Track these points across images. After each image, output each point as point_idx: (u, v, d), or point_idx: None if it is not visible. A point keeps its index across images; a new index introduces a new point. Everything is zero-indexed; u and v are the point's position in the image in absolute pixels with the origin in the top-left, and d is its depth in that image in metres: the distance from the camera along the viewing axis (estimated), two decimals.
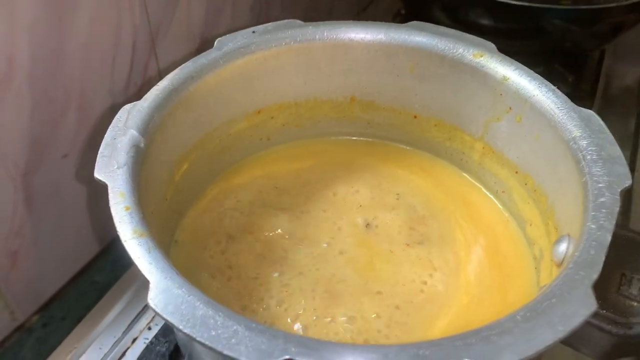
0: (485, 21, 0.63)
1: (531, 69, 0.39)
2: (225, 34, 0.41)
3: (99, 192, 0.47)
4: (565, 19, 0.61)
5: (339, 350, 0.24)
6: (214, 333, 0.24)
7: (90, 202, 0.47)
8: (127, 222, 0.29)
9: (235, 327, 0.25)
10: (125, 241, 0.28)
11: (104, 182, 0.31)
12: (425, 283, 0.39)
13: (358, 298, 0.37)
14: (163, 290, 0.26)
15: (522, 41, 0.63)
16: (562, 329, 0.25)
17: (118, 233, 0.29)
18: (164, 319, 0.25)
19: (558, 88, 0.38)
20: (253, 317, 0.36)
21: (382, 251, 0.41)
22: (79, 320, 0.48)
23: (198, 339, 0.24)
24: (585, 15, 0.61)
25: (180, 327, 0.25)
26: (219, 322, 0.25)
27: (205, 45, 0.51)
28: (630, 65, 0.75)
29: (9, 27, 0.34)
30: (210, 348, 0.24)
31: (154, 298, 0.26)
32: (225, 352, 0.24)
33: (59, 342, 0.46)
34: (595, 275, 0.27)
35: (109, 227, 0.49)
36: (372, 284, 0.38)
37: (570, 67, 0.70)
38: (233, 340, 0.24)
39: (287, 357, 0.24)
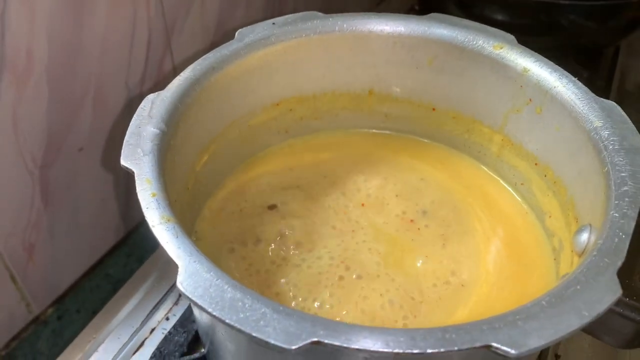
0: (499, 16, 0.63)
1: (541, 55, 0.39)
2: (239, 26, 0.42)
3: (115, 185, 0.48)
4: (580, 14, 0.61)
5: (367, 333, 0.24)
6: (242, 315, 0.25)
7: (105, 196, 0.47)
8: (154, 208, 0.29)
9: (263, 310, 0.25)
10: (153, 226, 0.28)
11: (130, 170, 0.31)
12: (444, 273, 0.39)
13: (377, 288, 0.38)
14: (192, 274, 0.26)
15: (536, 37, 0.63)
16: (588, 315, 0.25)
17: (146, 219, 0.29)
18: (193, 301, 0.25)
19: None
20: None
21: (401, 242, 0.41)
22: (93, 313, 0.48)
23: (227, 321, 0.24)
24: (601, 11, 0.61)
25: (210, 309, 0.25)
26: (247, 305, 0.25)
27: (220, 39, 0.52)
28: None
29: (28, 21, 0.35)
30: (239, 330, 0.24)
31: (183, 281, 0.26)
32: (254, 334, 0.24)
33: (73, 335, 0.46)
34: (619, 262, 0.27)
35: (124, 221, 0.50)
36: (391, 274, 0.39)
37: (585, 63, 0.69)
38: (261, 322, 0.24)
39: (315, 339, 0.24)
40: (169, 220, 0.29)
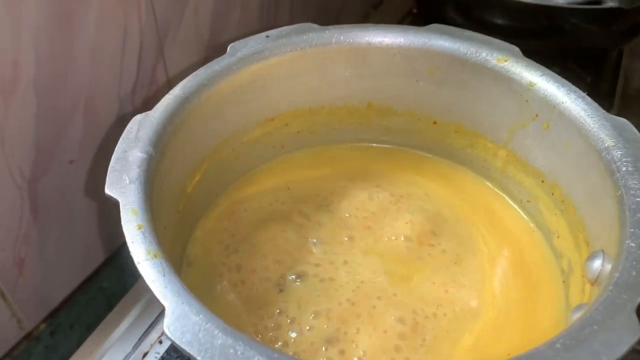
0: (499, 20, 0.62)
1: (548, 69, 0.38)
2: (234, 36, 0.40)
3: (107, 199, 0.46)
4: (582, 18, 0.59)
5: None
6: None
7: (97, 208, 0.46)
8: (139, 242, 0.28)
9: (256, 358, 0.23)
10: (138, 263, 0.27)
11: (115, 199, 0.29)
12: (448, 296, 0.38)
13: (378, 312, 0.36)
14: (179, 317, 0.25)
15: (538, 41, 0.62)
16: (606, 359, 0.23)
17: (131, 254, 0.27)
18: (181, 349, 0.23)
19: None
20: (266, 333, 0.35)
21: (401, 262, 0.39)
22: (87, 327, 0.47)
23: None
24: (603, 15, 0.59)
25: (199, 358, 0.23)
26: (239, 352, 0.23)
27: (213, 48, 0.51)
28: None
29: (14, 32, 0.33)
30: None
31: (170, 325, 0.24)
32: None
33: (67, 351, 0.45)
34: (638, 299, 0.25)
35: (117, 234, 0.49)
36: (392, 297, 0.37)
37: (588, 68, 0.68)
38: None
39: None
40: (155, 256, 0.27)
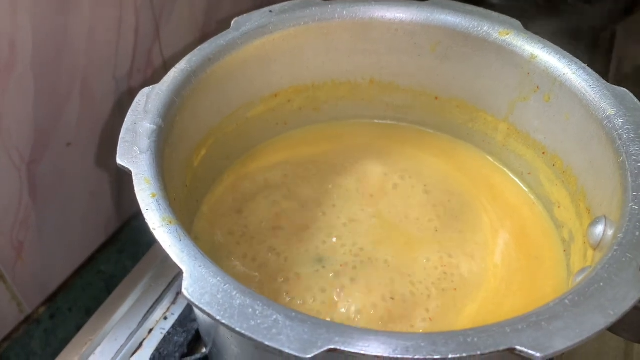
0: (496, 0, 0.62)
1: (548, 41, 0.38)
2: (228, 16, 0.40)
3: (105, 180, 0.46)
4: None
5: (384, 339, 0.23)
6: (253, 323, 0.23)
7: (95, 191, 0.46)
8: (154, 210, 0.28)
9: (275, 317, 0.24)
10: (154, 229, 0.27)
11: (127, 169, 0.30)
12: (452, 267, 0.38)
13: (383, 282, 0.37)
14: (198, 280, 0.25)
15: (534, 21, 0.62)
16: (613, 313, 0.24)
17: (146, 221, 0.27)
18: (201, 310, 0.24)
19: None
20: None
21: (406, 235, 0.40)
22: (86, 310, 0.47)
23: (237, 329, 0.23)
24: None
25: (219, 317, 0.24)
26: (257, 312, 0.24)
27: (209, 28, 0.50)
28: None
29: (10, 12, 0.33)
30: (251, 339, 0.23)
31: (189, 288, 0.25)
32: (267, 342, 0.23)
33: (67, 334, 0.45)
34: None
35: (115, 217, 0.49)
36: (397, 269, 0.38)
37: (582, 49, 0.69)
38: (274, 330, 0.23)
39: (331, 346, 0.23)
40: (170, 222, 0.27)
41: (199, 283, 0.25)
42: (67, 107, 0.40)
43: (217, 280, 0.25)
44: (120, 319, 0.46)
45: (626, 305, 0.24)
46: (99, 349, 0.44)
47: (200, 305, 0.24)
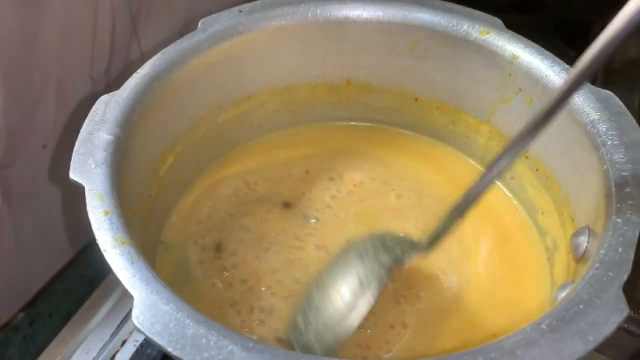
0: None
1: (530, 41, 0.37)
2: (212, 11, 0.38)
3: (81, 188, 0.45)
4: None
5: None
6: (206, 355, 0.22)
7: (73, 193, 0.44)
8: (106, 229, 0.26)
9: (230, 347, 0.22)
10: (105, 250, 0.25)
11: (80, 184, 0.28)
12: (432, 276, 0.37)
13: None
14: (149, 307, 0.23)
15: (521, 15, 0.61)
16: (593, 339, 0.23)
17: (97, 241, 0.26)
18: (151, 340, 0.22)
19: None
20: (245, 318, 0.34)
21: None
22: (66, 316, 0.46)
23: None
24: None
25: (169, 349, 0.22)
26: (212, 342, 0.22)
27: (189, 24, 0.48)
28: (632, 38, 0.73)
29: None
30: None
31: (139, 316, 0.23)
32: None
33: (46, 340, 0.44)
34: (625, 276, 0.25)
35: None
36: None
37: (571, 42, 0.67)
38: None
39: None
40: (123, 243, 0.26)
41: (151, 311, 0.23)
42: (40, 108, 0.38)
43: (169, 307, 0.23)
44: (92, 331, 0.45)
45: (607, 330, 0.23)
46: None
47: (150, 336, 0.22)
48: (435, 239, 0.32)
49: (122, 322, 0.45)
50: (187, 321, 0.23)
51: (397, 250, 0.33)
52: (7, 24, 0.34)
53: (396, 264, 0.32)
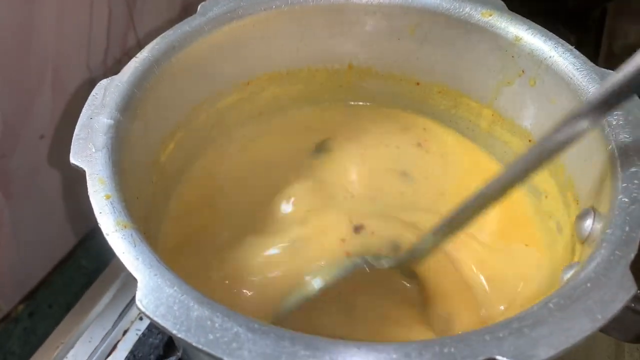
0: None
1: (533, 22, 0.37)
2: None
3: (82, 173, 0.44)
4: None
5: (354, 350, 0.21)
6: (211, 337, 0.22)
7: (72, 183, 0.44)
8: (108, 213, 0.26)
9: (235, 329, 0.22)
10: (107, 234, 0.25)
11: (81, 168, 0.28)
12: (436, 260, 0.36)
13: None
14: (153, 290, 0.23)
15: (522, 1, 0.60)
16: (601, 317, 0.22)
17: (99, 225, 0.25)
18: (155, 322, 0.22)
19: None
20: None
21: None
22: (67, 307, 0.46)
23: (195, 344, 0.21)
24: None
25: (174, 331, 0.22)
26: (217, 324, 0.22)
27: (187, 11, 0.48)
28: (633, 24, 0.72)
29: None
30: (209, 354, 0.21)
31: (143, 299, 0.23)
32: (226, 358, 0.21)
33: (47, 331, 0.44)
34: (632, 255, 0.24)
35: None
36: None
37: (573, 27, 0.67)
38: (234, 344, 0.21)
39: None
40: (125, 227, 0.25)
41: (154, 293, 0.23)
42: (38, 98, 0.38)
43: (173, 290, 0.23)
44: (94, 320, 0.45)
45: (615, 308, 0.23)
46: (72, 352, 0.43)
47: (155, 318, 0.22)
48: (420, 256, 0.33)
49: (123, 311, 0.45)
50: (192, 303, 0.23)
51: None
52: (2, 14, 0.33)
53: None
